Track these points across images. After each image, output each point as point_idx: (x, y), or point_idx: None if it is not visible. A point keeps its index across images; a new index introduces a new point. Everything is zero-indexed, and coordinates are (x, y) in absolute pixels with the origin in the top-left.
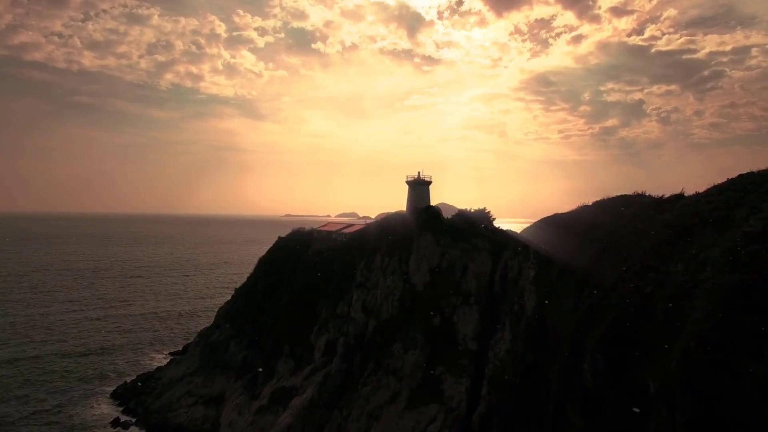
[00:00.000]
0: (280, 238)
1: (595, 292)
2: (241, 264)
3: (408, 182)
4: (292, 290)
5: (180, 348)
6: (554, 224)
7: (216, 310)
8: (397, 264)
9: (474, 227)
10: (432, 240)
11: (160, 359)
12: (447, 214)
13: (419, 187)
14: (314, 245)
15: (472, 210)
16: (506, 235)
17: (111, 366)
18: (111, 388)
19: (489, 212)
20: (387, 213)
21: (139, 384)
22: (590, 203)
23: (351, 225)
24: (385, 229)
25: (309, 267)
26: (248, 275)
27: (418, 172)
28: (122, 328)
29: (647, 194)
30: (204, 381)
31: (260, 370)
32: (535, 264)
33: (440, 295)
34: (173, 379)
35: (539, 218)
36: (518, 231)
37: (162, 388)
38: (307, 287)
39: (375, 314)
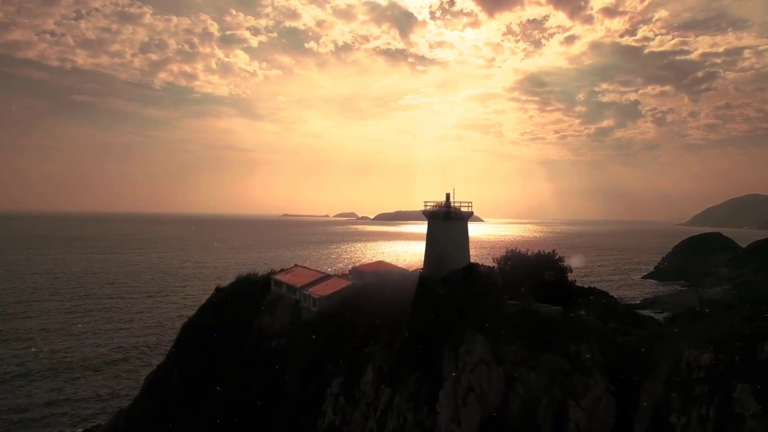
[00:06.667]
0: (217, 290)
1: None
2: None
3: (427, 214)
4: (218, 403)
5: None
6: None
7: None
8: (408, 405)
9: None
10: (486, 348)
11: None
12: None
13: (449, 224)
14: (262, 316)
15: (529, 253)
16: (635, 317)
17: None
18: None
19: (558, 256)
20: (386, 213)
21: None
22: None
23: (327, 277)
24: (385, 305)
25: (248, 360)
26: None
27: (447, 195)
28: (29, 388)
29: None
30: None
31: None
32: None
33: None
34: None
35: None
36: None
37: None
38: (239, 403)
39: None
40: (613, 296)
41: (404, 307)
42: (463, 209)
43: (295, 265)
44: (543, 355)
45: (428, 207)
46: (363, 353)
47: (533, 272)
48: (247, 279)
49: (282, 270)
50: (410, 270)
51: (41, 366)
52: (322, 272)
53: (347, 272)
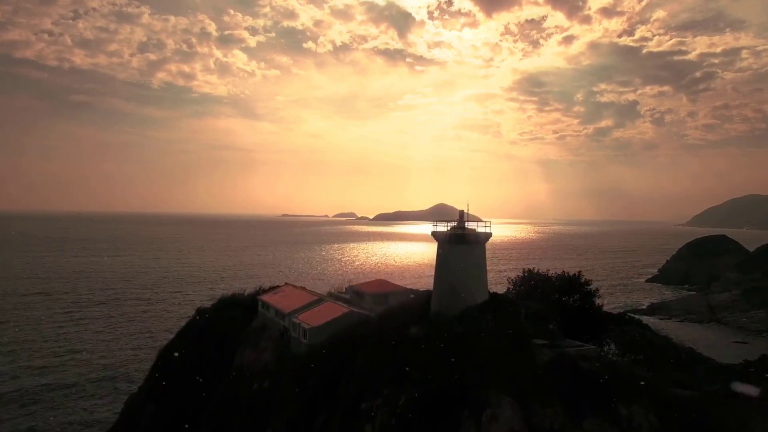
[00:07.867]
0: (198, 312)
1: None
2: (222, 280)
3: (436, 235)
4: None
5: None
6: None
7: None
8: None
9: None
10: (516, 412)
11: None
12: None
13: (463, 249)
14: (245, 348)
15: (549, 274)
16: (677, 352)
17: None
18: None
19: (585, 279)
20: (385, 214)
21: None
22: None
23: (320, 300)
24: (385, 345)
25: (226, 403)
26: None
27: (461, 213)
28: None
29: None
30: None
31: None
32: None
33: None
34: None
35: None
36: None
37: None
38: None
39: None
40: (648, 324)
41: (409, 350)
42: (480, 230)
43: (285, 284)
44: (586, 421)
45: (438, 227)
46: (360, 408)
47: (556, 297)
48: (232, 300)
49: (271, 288)
50: (414, 293)
51: (28, 383)
52: (315, 294)
53: (343, 290)
